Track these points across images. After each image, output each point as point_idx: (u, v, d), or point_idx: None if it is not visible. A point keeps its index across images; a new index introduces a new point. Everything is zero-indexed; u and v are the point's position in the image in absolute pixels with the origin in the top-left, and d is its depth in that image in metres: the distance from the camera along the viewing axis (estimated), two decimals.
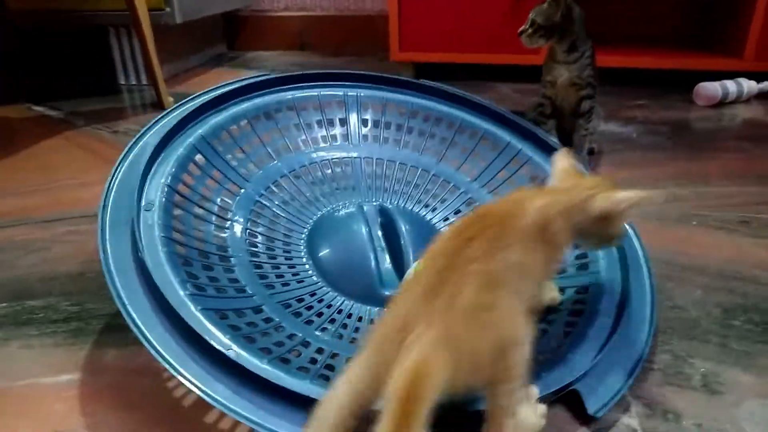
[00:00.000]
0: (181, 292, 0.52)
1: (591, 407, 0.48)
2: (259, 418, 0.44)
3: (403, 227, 0.68)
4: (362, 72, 0.84)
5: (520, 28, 1.05)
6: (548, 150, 0.73)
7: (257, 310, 0.57)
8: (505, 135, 0.79)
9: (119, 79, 1.72)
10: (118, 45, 1.69)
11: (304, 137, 0.80)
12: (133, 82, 1.72)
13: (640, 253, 0.64)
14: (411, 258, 0.64)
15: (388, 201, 0.75)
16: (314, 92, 0.83)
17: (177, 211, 0.62)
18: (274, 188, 0.73)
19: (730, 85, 1.40)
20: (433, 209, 0.75)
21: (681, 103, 1.44)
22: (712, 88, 1.39)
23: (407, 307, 0.39)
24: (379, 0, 2.09)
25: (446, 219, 0.74)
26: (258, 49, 2.20)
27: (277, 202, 0.71)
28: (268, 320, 0.56)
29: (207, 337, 0.47)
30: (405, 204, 0.75)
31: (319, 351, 0.54)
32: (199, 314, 0.50)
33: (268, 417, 0.44)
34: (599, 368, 0.51)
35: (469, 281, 0.39)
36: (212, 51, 2.08)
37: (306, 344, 0.54)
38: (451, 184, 0.78)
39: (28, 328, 0.63)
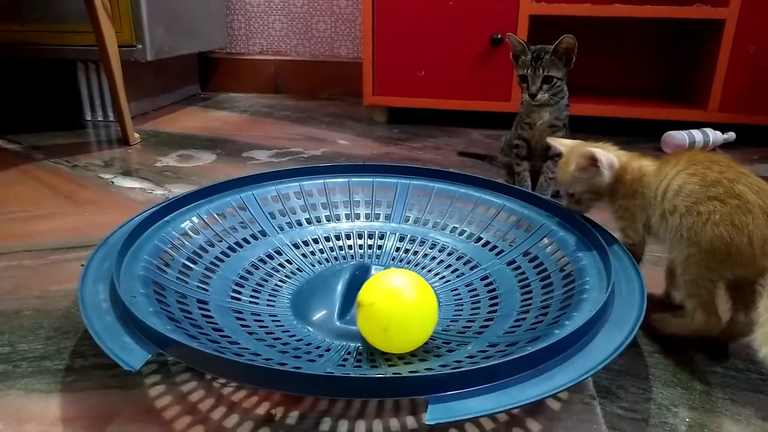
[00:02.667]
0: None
1: None
2: None
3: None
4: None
5: (533, 89, 1.01)
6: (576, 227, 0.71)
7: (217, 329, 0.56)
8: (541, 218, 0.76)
9: (85, 114, 1.68)
10: (86, 80, 1.65)
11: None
12: (100, 118, 1.68)
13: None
14: None
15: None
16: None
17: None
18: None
19: (697, 134, 1.43)
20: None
21: (650, 151, 1.45)
22: (679, 136, 1.42)
23: None
24: (353, 47, 2.12)
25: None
26: (231, 91, 2.19)
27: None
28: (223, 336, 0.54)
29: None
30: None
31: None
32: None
33: None
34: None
35: None
36: (185, 91, 2.05)
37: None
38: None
39: None
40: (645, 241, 0.69)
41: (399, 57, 1.62)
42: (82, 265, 0.60)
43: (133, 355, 0.45)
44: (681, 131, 1.43)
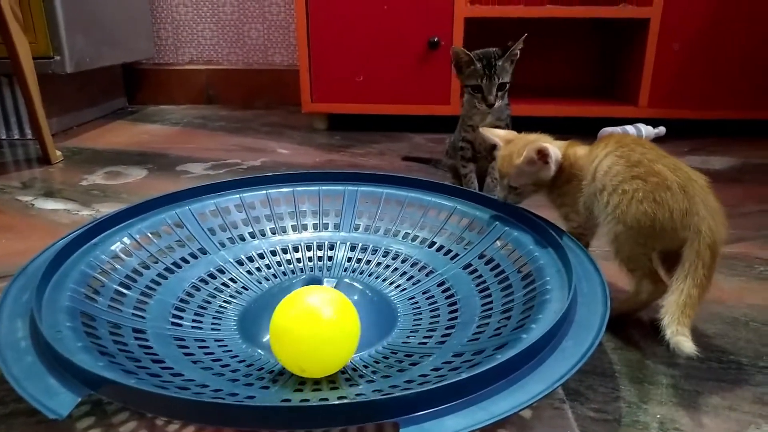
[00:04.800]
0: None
1: None
2: None
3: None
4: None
5: (491, 99, 1.00)
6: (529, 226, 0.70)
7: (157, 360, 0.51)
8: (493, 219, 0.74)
9: None
10: None
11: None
12: (16, 136, 1.55)
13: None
14: None
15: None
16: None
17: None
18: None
19: (630, 129, 1.47)
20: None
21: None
22: (614, 132, 1.45)
23: None
24: (288, 54, 2.07)
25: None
26: (161, 103, 2.09)
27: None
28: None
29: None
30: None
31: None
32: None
33: None
34: None
35: None
36: (110, 105, 1.94)
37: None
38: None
39: None
40: (591, 225, 0.69)
41: (336, 62, 1.59)
42: None
43: (59, 400, 0.40)
44: (616, 127, 1.47)
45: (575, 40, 1.83)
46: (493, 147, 1.05)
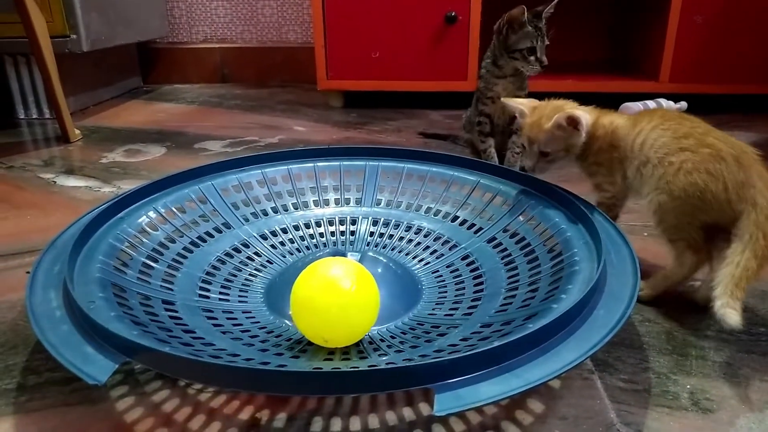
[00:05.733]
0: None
1: None
2: None
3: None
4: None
5: (545, 59, 1.01)
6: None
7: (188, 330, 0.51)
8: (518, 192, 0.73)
9: (17, 112, 1.55)
10: (16, 75, 1.53)
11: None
12: (34, 116, 1.56)
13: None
14: None
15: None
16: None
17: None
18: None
19: (651, 104, 1.44)
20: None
21: None
22: (635, 107, 1.43)
23: None
24: (302, 31, 2.05)
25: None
26: (175, 82, 2.08)
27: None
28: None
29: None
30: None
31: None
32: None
33: None
34: None
35: None
36: (125, 84, 1.94)
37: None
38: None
39: None
40: (625, 196, 0.68)
41: (352, 39, 1.57)
42: (28, 272, 0.53)
43: (97, 367, 0.40)
44: (637, 102, 1.44)
45: (593, 13, 1.79)
46: (512, 121, 1.04)
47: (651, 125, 0.63)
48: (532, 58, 1.00)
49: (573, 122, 0.66)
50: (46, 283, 0.52)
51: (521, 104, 0.73)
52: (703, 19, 1.49)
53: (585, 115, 0.66)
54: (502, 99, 0.81)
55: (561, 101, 0.71)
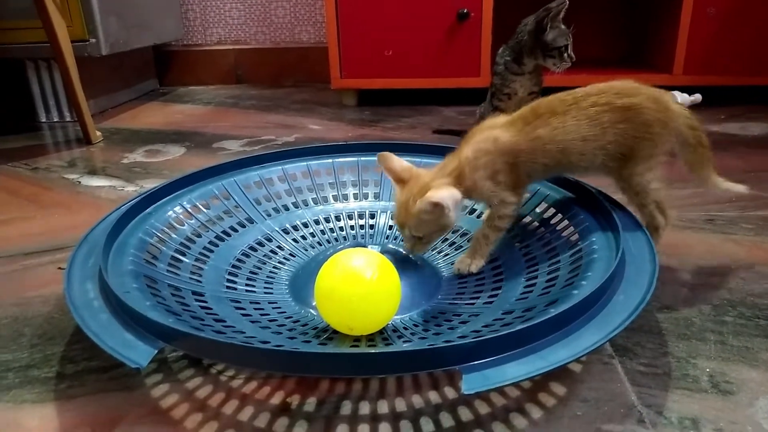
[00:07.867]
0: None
1: None
2: None
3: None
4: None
5: (573, 54, 1.00)
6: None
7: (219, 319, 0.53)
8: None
9: (39, 115, 1.59)
10: (38, 79, 1.56)
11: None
12: (55, 119, 1.59)
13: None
14: None
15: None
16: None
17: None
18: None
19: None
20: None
21: None
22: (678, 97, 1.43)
23: None
24: (315, 31, 2.07)
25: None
26: (191, 84, 2.11)
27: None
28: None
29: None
30: None
31: None
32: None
33: None
34: None
35: None
36: (143, 86, 1.97)
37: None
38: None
39: None
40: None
41: (365, 38, 1.59)
42: (60, 268, 0.56)
43: (137, 352, 0.42)
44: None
45: (605, 7, 1.79)
46: None
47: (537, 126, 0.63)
48: (565, 54, 1.00)
49: (438, 206, 0.57)
50: (83, 276, 0.54)
51: (391, 171, 0.63)
52: (715, 11, 1.49)
53: (450, 193, 0.58)
54: (380, 156, 0.65)
55: (434, 171, 0.62)
